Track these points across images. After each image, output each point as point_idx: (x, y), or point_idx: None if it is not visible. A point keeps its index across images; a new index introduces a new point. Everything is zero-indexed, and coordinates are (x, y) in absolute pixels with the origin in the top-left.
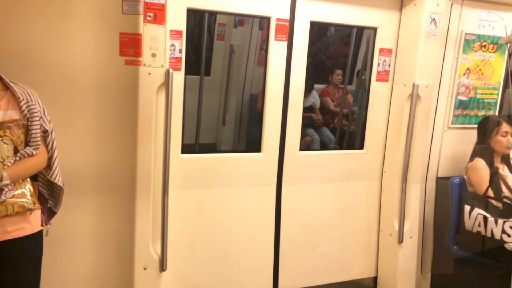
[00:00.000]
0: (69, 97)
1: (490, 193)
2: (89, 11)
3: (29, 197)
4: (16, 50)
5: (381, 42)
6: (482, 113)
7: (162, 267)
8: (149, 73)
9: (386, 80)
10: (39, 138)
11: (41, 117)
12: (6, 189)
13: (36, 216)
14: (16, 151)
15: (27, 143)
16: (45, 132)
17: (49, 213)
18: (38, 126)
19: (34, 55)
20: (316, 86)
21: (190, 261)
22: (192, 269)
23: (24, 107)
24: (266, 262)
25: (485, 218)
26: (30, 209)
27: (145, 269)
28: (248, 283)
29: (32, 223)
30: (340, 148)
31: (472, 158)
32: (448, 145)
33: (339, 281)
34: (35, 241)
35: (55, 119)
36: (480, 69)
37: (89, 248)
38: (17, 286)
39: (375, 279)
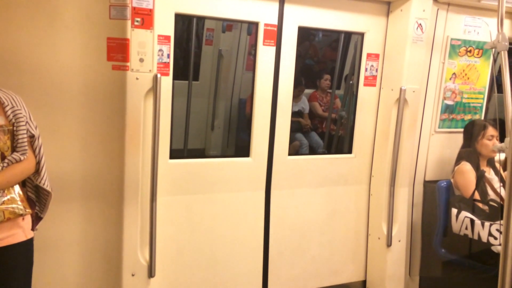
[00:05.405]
0: (56, 103)
1: (477, 196)
2: (76, 16)
3: (19, 202)
4: (1, 55)
5: (368, 47)
6: (468, 117)
7: (151, 273)
8: (137, 78)
9: (374, 85)
10: (26, 143)
11: (27, 122)
12: None
13: (28, 222)
14: (3, 157)
15: (14, 149)
16: (31, 137)
17: (35, 219)
18: (25, 131)
19: (21, 60)
20: (305, 91)
21: (179, 267)
22: (181, 275)
23: (9, 112)
24: (255, 267)
25: (472, 221)
26: (21, 215)
27: (133, 275)
28: None
29: (24, 229)
30: (329, 153)
31: (458, 161)
32: (435, 149)
33: (329, 285)
34: (26, 248)
35: (42, 124)
36: (466, 74)
37: (77, 254)
38: None
39: (364, 282)
